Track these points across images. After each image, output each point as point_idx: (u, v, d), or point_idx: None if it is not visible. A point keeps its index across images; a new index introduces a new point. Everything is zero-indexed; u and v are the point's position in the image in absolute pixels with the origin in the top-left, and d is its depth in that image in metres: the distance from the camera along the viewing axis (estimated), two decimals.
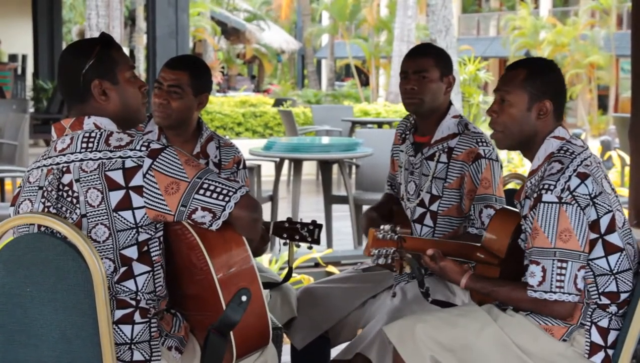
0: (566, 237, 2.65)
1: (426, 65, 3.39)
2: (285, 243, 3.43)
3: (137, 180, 2.47)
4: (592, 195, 2.69)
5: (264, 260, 5.82)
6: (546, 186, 2.68)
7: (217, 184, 2.51)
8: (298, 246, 3.42)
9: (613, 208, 2.73)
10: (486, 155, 3.34)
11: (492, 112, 2.88)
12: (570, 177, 2.68)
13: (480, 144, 3.36)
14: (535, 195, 2.71)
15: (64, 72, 2.61)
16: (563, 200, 2.66)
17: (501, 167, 3.39)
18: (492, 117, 2.88)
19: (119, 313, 2.50)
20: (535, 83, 2.82)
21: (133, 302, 2.51)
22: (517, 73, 2.86)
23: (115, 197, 2.47)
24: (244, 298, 2.54)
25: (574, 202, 2.66)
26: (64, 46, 18.70)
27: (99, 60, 2.58)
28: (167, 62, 3.45)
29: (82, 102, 2.58)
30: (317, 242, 3.40)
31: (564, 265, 2.65)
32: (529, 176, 2.86)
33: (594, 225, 2.70)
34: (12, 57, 21.27)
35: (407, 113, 3.60)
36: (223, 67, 33.42)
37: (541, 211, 2.67)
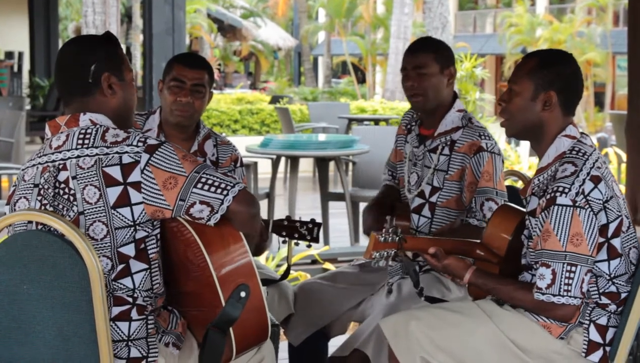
0: (577, 241, 2.64)
1: (425, 61, 3.38)
2: (284, 242, 3.43)
3: (135, 176, 2.47)
4: (604, 200, 2.68)
5: (261, 257, 5.81)
6: (561, 188, 2.66)
7: (215, 178, 2.51)
8: (297, 244, 3.42)
9: (622, 213, 2.73)
10: (488, 149, 3.35)
11: (502, 101, 2.87)
12: (584, 180, 2.67)
13: (482, 137, 3.36)
14: (548, 196, 2.69)
15: (70, 65, 2.61)
16: (577, 204, 2.64)
17: (503, 161, 3.39)
18: (500, 106, 2.88)
19: (115, 310, 2.50)
20: (542, 73, 2.79)
21: (130, 299, 2.51)
22: (528, 62, 2.84)
23: (113, 193, 2.47)
24: (242, 294, 2.54)
25: (587, 206, 2.64)
26: (60, 43, 18.68)
27: (108, 54, 2.61)
28: (182, 60, 3.40)
29: (87, 95, 2.58)
30: (316, 240, 3.40)
31: (573, 269, 2.64)
32: (537, 173, 2.84)
33: (603, 229, 2.69)
34: (9, 55, 21.25)
35: (408, 109, 3.61)
36: (219, 65, 33.42)
37: (555, 214, 2.65)
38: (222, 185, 2.51)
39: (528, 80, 2.80)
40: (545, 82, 2.79)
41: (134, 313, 2.51)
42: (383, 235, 2.78)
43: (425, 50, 3.41)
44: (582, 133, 2.84)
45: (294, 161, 7.97)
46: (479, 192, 3.34)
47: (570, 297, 2.65)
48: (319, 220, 3.45)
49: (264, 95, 21.89)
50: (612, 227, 2.70)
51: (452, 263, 2.85)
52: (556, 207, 2.66)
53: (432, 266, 2.89)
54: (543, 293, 2.67)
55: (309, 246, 3.44)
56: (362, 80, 34.46)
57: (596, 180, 2.68)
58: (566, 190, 2.66)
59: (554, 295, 2.66)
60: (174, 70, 3.37)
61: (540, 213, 2.72)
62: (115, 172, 2.47)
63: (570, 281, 2.64)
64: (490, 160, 3.34)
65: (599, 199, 2.67)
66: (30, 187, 2.57)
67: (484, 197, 3.33)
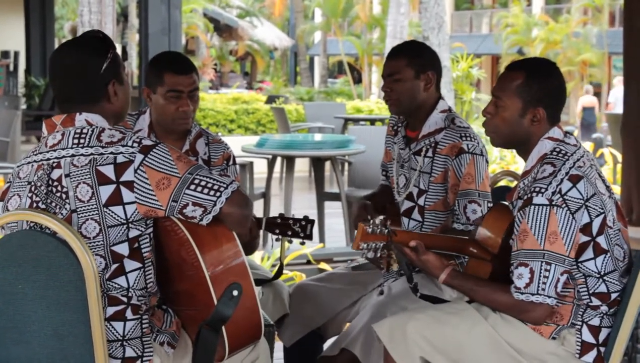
0: (553, 239, 2.63)
1: (398, 67, 3.39)
2: (277, 239, 3.42)
3: (128, 176, 2.48)
4: (585, 198, 2.66)
5: (256, 257, 5.81)
6: (537, 189, 2.66)
7: (208, 180, 2.51)
8: (290, 242, 3.42)
9: (606, 209, 2.71)
10: (469, 150, 3.33)
11: (487, 113, 2.86)
12: (562, 180, 2.66)
13: (464, 138, 3.34)
14: (525, 197, 2.69)
15: (74, 73, 2.57)
16: (554, 203, 2.63)
17: (487, 161, 3.37)
18: (486, 118, 2.87)
19: (110, 310, 2.50)
20: (530, 90, 2.78)
21: (124, 299, 2.51)
22: (514, 77, 2.81)
23: (106, 192, 2.47)
24: (235, 292, 2.54)
25: (564, 205, 2.63)
26: (56, 43, 18.66)
27: (112, 60, 2.59)
28: (171, 68, 3.32)
29: (92, 102, 2.58)
30: (310, 237, 3.40)
31: (549, 267, 2.63)
32: (522, 177, 2.84)
33: (586, 228, 2.67)
34: (4, 54, 21.20)
35: None
36: (215, 64, 33.40)
37: (531, 213, 2.65)
38: (215, 187, 2.51)
39: (516, 97, 2.79)
40: (534, 98, 2.78)
41: (128, 313, 2.51)
42: (371, 226, 2.74)
43: (398, 56, 3.42)
44: (566, 132, 2.84)
45: (289, 161, 7.97)
46: (461, 195, 3.33)
47: (545, 295, 2.64)
48: (314, 218, 3.45)
49: (260, 95, 21.86)
50: (596, 224, 2.68)
51: (430, 260, 2.82)
52: (533, 207, 2.65)
53: (410, 260, 2.85)
54: (522, 293, 2.66)
55: (302, 243, 3.43)
56: (358, 80, 34.44)
57: (575, 179, 2.67)
58: (542, 190, 2.65)
59: (532, 294, 2.65)
60: (166, 80, 3.31)
61: (518, 214, 2.71)
62: (109, 171, 2.47)
63: (546, 279, 2.64)
64: (471, 161, 3.32)
65: (578, 198, 2.65)
66: (24, 184, 2.58)
67: (467, 199, 3.32)
